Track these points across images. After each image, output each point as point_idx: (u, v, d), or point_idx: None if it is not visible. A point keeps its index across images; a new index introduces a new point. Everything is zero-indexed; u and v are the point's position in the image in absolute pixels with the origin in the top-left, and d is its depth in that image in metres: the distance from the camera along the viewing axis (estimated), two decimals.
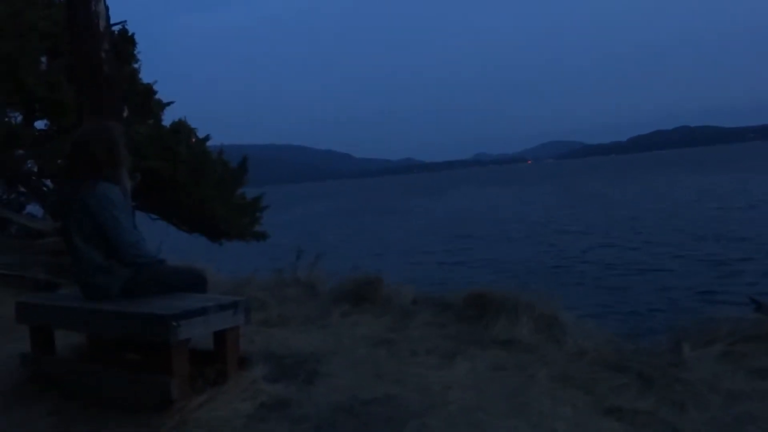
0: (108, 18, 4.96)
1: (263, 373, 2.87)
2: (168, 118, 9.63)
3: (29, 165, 9.05)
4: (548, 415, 2.66)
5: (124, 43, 8.93)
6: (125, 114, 5.11)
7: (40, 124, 8.89)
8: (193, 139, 9.03)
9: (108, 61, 4.86)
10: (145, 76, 9.62)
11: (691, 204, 28.43)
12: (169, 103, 9.98)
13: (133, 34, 9.37)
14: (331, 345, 3.62)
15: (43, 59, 8.65)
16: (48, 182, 9.05)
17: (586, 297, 10.51)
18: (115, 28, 5.85)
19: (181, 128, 8.92)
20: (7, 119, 8.49)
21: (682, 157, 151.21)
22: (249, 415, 2.55)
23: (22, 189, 9.33)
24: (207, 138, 9.30)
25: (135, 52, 9.48)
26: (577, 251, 17.36)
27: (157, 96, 9.78)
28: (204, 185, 8.64)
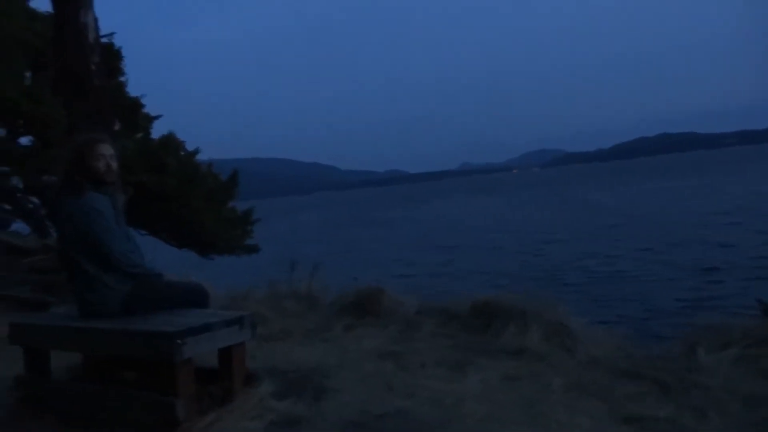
0: (97, 30, 4.86)
1: (270, 389, 2.76)
2: (155, 132, 9.52)
3: (14, 181, 8.86)
4: (567, 426, 2.58)
5: (111, 56, 8.81)
6: (117, 127, 4.99)
7: (24, 140, 8.72)
8: (182, 153, 8.92)
9: (98, 74, 4.76)
10: (131, 90, 9.52)
11: (679, 209, 28.60)
12: (157, 117, 9.85)
13: (119, 48, 9.27)
14: (337, 359, 3.51)
15: (27, 73, 8.50)
16: (34, 199, 8.87)
17: (582, 306, 10.43)
18: (103, 41, 5.76)
19: (170, 142, 8.82)
20: None
21: (665, 163, 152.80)
22: None
23: (7, 206, 9.12)
24: (197, 151, 9.20)
25: (121, 66, 9.37)
26: (569, 259, 17.34)
27: (144, 110, 9.66)
28: (194, 198, 8.52)
